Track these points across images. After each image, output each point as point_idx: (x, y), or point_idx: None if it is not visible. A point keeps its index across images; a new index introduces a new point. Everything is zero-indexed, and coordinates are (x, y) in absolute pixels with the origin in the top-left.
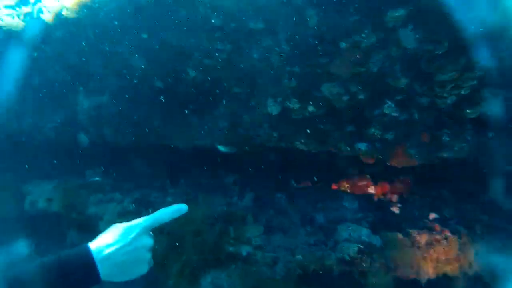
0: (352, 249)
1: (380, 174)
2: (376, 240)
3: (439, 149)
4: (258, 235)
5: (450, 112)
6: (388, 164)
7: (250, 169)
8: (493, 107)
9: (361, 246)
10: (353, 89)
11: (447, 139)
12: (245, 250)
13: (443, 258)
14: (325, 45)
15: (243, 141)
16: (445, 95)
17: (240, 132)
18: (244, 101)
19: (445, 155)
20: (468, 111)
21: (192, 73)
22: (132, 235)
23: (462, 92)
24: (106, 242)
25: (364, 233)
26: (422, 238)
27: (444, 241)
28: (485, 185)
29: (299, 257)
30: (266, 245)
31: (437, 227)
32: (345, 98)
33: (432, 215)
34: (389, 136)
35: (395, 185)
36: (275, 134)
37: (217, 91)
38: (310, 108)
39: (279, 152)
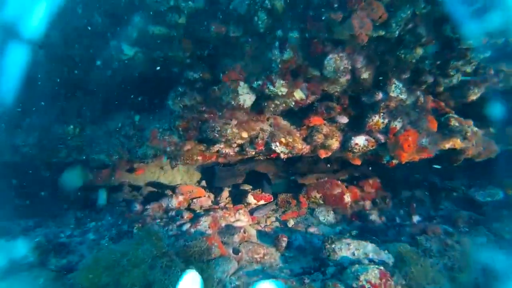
0: (371, 273)
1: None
2: (387, 256)
3: (449, 136)
4: (233, 273)
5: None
6: (395, 162)
7: None
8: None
9: (381, 267)
10: (358, 65)
11: (456, 124)
12: None
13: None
14: None
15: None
16: (452, 72)
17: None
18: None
19: (449, 145)
20: (472, 91)
21: (129, 51)
22: None
23: (468, 70)
24: None
25: (370, 249)
26: (433, 245)
27: (457, 245)
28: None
29: None
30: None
31: (438, 229)
32: (344, 79)
33: (415, 218)
34: (397, 123)
35: (365, 189)
36: (244, 135)
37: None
38: (298, 95)
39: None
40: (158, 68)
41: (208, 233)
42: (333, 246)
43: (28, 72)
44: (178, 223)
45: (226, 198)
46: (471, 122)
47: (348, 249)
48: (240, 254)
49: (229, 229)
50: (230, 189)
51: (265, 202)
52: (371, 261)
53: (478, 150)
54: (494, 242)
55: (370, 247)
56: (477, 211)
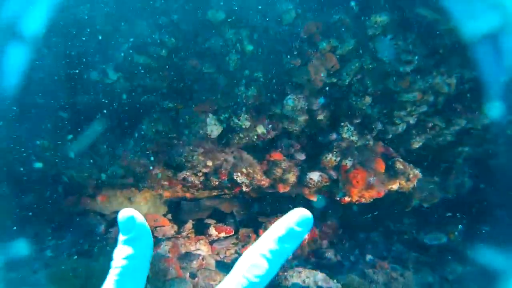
0: None
1: None
2: (336, 285)
3: (394, 177)
4: None
5: (397, 142)
6: (347, 199)
7: None
8: None
9: None
10: (315, 107)
11: (401, 167)
12: None
13: None
14: (301, 43)
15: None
16: (397, 121)
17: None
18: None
19: (396, 186)
20: (415, 139)
21: (113, 75)
22: None
23: (411, 121)
24: None
25: (320, 277)
26: (379, 277)
27: (401, 278)
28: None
29: None
30: None
31: (386, 265)
32: (302, 118)
33: (368, 257)
34: (348, 162)
35: (323, 230)
36: (209, 163)
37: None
38: (260, 129)
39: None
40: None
41: (168, 256)
42: (285, 273)
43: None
44: None
45: (189, 230)
46: (418, 172)
47: (299, 276)
48: (196, 279)
49: (189, 256)
50: (194, 222)
51: (226, 235)
52: (319, 287)
53: (423, 195)
54: (439, 283)
55: (320, 276)
56: (425, 253)
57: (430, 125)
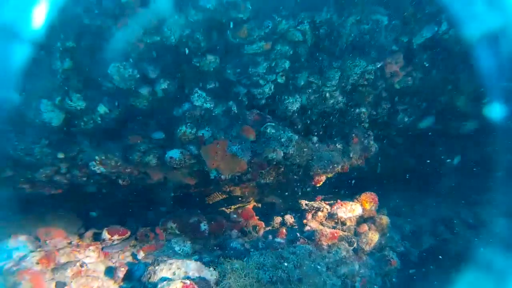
0: (173, 287)
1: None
2: (211, 273)
3: (267, 144)
4: None
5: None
6: (223, 177)
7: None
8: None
9: (187, 281)
10: (152, 75)
11: (273, 131)
12: None
13: None
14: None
15: None
16: (261, 82)
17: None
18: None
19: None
20: (289, 100)
21: None
22: None
23: (279, 80)
24: None
25: (193, 267)
26: (268, 259)
27: (292, 256)
28: None
29: None
30: None
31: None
32: (146, 90)
33: (278, 240)
34: (205, 132)
35: (232, 219)
36: (60, 155)
37: None
38: (101, 109)
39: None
40: None
41: (34, 269)
42: (156, 268)
43: None
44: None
45: (89, 238)
46: (315, 139)
47: (169, 269)
48: (67, 287)
49: (65, 265)
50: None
51: (121, 237)
52: (189, 278)
53: (322, 164)
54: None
55: (193, 265)
56: (340, 226)
57: (303, 82)
